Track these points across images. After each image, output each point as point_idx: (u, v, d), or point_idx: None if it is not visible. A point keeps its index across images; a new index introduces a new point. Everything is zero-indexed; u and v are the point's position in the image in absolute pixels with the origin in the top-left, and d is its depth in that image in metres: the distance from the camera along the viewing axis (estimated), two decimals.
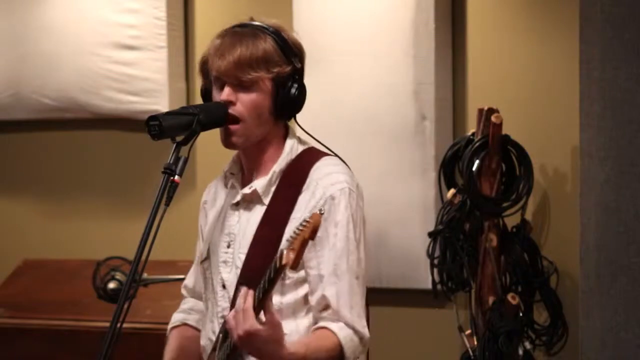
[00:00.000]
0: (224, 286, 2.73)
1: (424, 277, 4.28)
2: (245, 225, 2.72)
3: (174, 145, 2.62)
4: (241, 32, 2.71)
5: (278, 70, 2.67)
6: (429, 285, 4.25)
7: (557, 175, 4.24)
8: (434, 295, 4.25)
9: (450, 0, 4.41)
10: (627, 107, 3.38)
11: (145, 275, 3.85)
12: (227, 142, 2.71)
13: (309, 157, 2.74)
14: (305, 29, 4.52)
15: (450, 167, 4.23)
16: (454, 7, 4.42)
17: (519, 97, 4.30)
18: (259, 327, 2.46)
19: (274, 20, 2.78)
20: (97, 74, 5.07)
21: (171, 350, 2.90)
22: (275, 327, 2.48)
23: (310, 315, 2.68)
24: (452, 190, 4.20)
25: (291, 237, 2.41)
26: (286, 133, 2.77)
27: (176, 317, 2.97)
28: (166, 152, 2.61)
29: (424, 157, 4.35)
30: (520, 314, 4.10)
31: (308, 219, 2.39)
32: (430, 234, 4.22)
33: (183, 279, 4.16)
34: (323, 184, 2.67)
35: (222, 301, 2.73)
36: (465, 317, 4.24)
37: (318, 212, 2.39)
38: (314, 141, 2.83)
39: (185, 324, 2.95)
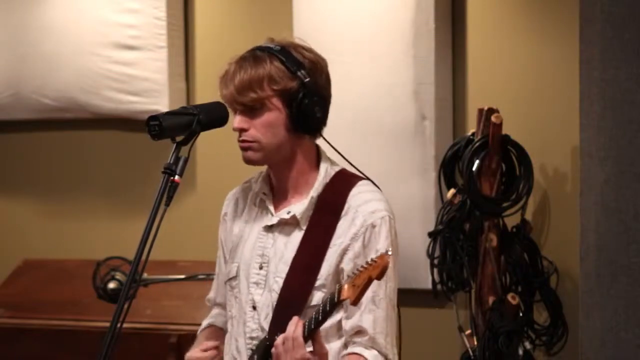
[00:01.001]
0: (254, 307, 2.73)
1: (424, 277, 4.28)
2: (282, 249, 2.73)
3: (174, 145, 2.61)
4: (244, 57, 2.71)
5: (282, 87, 2.66)
6: (429, 285, 4.25)
7: (557, 175, 4.24)
8: (434, 295, 4.25)
9: (450, 0, 4.41)
10: (627, 107, 3.38)
11: (145, 275, 3.85)
12: (245, 158, 2.72)
13: (344, 182, 2.74)
14: (305, 29, 4.52)
15: (450, 167, 4.23)
16: (454, 7, 4.42)
17: (519, 97, 4.30)
18: (309, 356, 2.51)
19: (293, 38, 2.75)
20: (97, 74, 5.07)
21: (198, 342, 2.92)
22: (323, 357, 2.54)
23: (343, 339, 2.70)
24: (452, 190, 4.20)
25: (353, 273, 2.45)
26: (317, 153, 2.77)
27: (204, 323, 2.99)
28: (166, 152, 2.61)
29: (424, 157, 4.35)
30: (520, 314, 4.10)
31: (375, 259, 2.43)
32: (430, 234, 4.22)
33: (183, 279, 4.19)
34: (363, 211, 2.69)
35: (251, 322, 2.74)
36: (465, 317, 4.24)
37: (386, 253, 2.43)
38: (339, 157, 2.82)
39: (212, 325, 2.97)
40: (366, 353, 2.65)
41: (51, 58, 5.15)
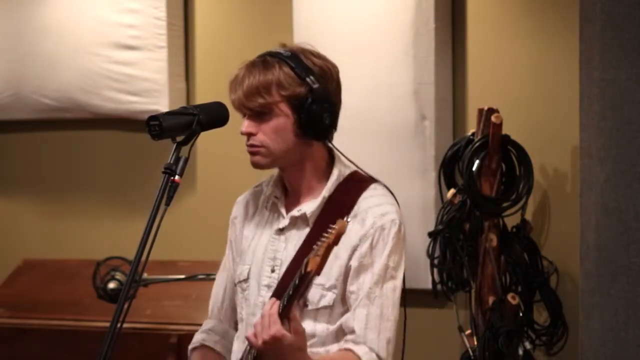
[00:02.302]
0: None
1: (424, 277, 4.28)
2: (293, 251, 2.74)
3: (174, 145, 2.61)
4: (253, 62, 2.71)
5: (290, 92, 2.67)
6: (429, 285, 4.25)
7: (557, 175, 4.24)
8: (434, 295, 4.25)
9: (450, 0, 4.41)
10: (627, 107, 3.38)
11: (145, 275, 3.84)
12: (253, 162, 2.72)
13: (356, 184, 2.76)
14: (305, 29, 4.52)
15: (450, 167, 4.23)
16: (454, 7, 4.42)
17: (519, 97, 4.30)
18: (284, 332, 2.50)
19: (302, 44, 2.75)
20: (97, 74, 5.07)
21: None
22: (299, 335, 2.52)
23: (339, 344, 2.70)
24: (452, 190, 4.20)
25: (317, 245, 2.46)
26: (330, 155, 2.78)
27: (196, 338, 2.98)
28: (166, 152, 2.61)
29: (424, 157, 4.35)
30: (520, 314, 4.10)
31: (333, 226, 2.43)
32: (430, 234, 4.22)
33: (183, 279, 4.18)
34: (373, 213, 2.70)
35: None
36: (465, 317, 4.24)
37: (344, 220, 2.44)
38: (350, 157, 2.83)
39: (204, 345, 2.95)
40: (357, 349, 2.64)
41: (51, 58, 5.15)
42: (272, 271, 2.75)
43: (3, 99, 5.30)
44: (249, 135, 2.71)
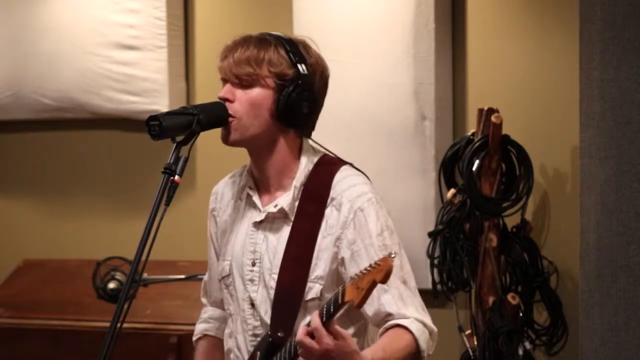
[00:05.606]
0: (252, 305, 2.73)
1: (424, 277, 4.27)
2: (275, 244, 2.72)
3: (174, 145, 2.62)
4: (251, 36, 2.71)
5: (279, 71, 2.66)
6: (429, 285, 4.25)
7: (557, 175, 4.24)
8: (434, 295, 4.25)
9: (450, 1, 4.41)
10: (627, 107, 3.38)
11: (145, 275, 3.85)
12: (223, 138, 2.71)
13: (326, 169, 2.74)
14: (305, 29, 4.52)
15: (450, 167, 4.23)
16: (454, 7, 4.42)
17: (519, 97, 4.30)
18: (333, 342, 2.47)
19: (305, 38, 2.75)
20: (97, 74, 5.07)
21: None
22: (346, 339, 2.50)
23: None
24: (452, 190, 4.20)
25: (357, 275, 2.43)
26: (300, 148, 2.75)
27: (198, 329, 2.99)
28: (166, 152, 2.61)
29: (424, 157, 4.35)
30: (520, 314, 4.10)
31: (379, 262, 2.40)
32: (430, 234, 4.22)
33: (183, 279, 4.19)
34: (348, 196, 2.68)
35: (252, 319, 2.74)
36: (465, 317, 4.24)
37: (389, 255, 2.40)
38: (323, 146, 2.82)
39: (206, 335, 2.97)
40: (403, 321, 2.65)
41: (51, 58, 5.15)
42: (253, 265, 2.74)
43: (3, 99, 5.30)
44: (226, 100, 2.69)
